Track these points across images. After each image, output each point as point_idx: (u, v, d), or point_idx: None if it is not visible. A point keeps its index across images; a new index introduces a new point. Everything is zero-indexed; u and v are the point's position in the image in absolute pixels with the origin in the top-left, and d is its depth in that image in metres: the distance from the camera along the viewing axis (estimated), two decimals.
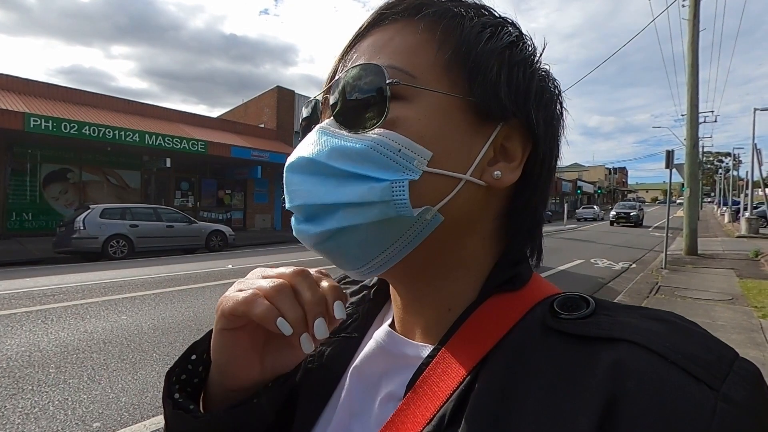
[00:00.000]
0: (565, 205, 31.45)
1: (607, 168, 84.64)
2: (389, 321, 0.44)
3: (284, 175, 0.37)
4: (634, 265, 9.77)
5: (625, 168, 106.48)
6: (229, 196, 19.31)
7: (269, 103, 21.97)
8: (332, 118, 0.36)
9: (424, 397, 0.34)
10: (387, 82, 0.34)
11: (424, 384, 0.35)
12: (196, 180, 17.99)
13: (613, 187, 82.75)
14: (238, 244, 13.86)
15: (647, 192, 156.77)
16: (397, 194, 0.33)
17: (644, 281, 7.35)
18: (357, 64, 0.36)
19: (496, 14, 0.39)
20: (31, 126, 11.27)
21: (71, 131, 11.93)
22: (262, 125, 21.54)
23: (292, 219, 0.38)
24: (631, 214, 26.09)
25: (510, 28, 0.38)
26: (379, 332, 0.42)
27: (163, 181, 16.84)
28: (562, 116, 0.40)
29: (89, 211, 10.57)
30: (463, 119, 0.35)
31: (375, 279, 0.49)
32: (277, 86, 22.18)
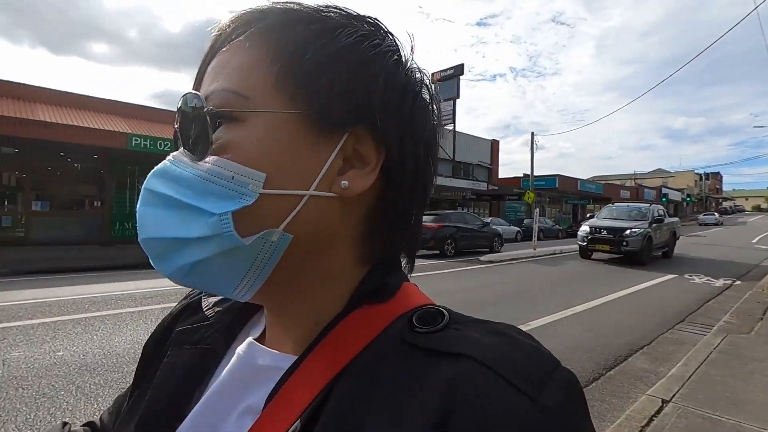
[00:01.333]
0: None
1: (696, 173, 76.92)
2: (258, 333, 0.43)
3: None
4: (738, 282, 8.68)
5: (718, 173, 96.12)
6: None
7: None
8: (182, 147, 0.36)
9: (281, 409, 0.34)
10: (205, 109, 0.34)
11: (282, 396, 0.34)
12: None
13: (704, 194, 74.90)
14: None
15: (747, 200, 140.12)
16: (225, 227, 0.32)
17: (754, 300, 6.49)
18: (187, 92, 0.36)
19: (345, 13, 0.37)
20: (133, 144, 12.64)
21: (165, 148, 13.19)
22: None
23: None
24: (627, 236, 11.01)
25: (352, 29, 0.36)
26: (242, 345, 0.41)
27: None
28: (429, 115, 0.39)
29: None
30: (301, 134, 0.34)
31: None
32: None
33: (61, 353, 3.83)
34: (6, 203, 13.66)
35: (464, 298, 6.69)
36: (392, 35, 0.38)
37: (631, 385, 3.48)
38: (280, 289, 0.37)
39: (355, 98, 0.35)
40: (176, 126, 0.36)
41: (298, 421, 0.32)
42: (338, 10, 0.37)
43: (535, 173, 28.07)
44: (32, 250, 11.54)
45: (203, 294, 0.48)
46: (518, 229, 23.49)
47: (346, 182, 0.35)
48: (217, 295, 0.40)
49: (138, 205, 0.35)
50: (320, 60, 0.34)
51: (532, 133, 27.13)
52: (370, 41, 0.36)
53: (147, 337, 0.49)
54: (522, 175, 34.19)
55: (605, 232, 11.65)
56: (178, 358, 0.42)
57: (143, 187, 0.35)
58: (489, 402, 0.28)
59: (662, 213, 13.00)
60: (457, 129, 27.91)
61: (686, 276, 9.40)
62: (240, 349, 0.40)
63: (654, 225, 11.85)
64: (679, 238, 14.16)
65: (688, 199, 51.39)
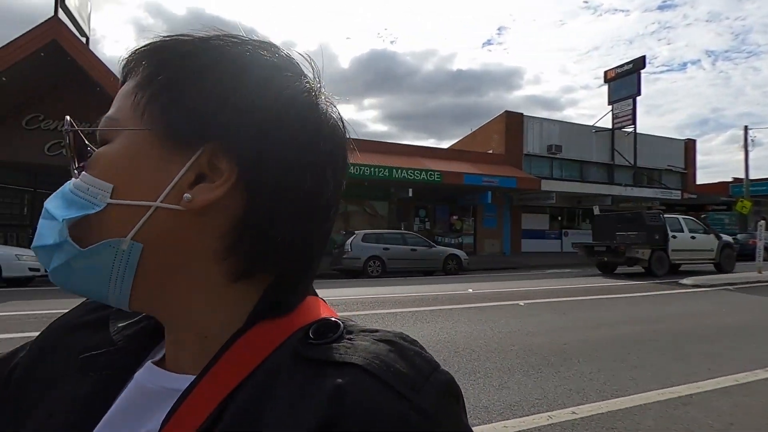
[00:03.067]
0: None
1: None
2: (160, 355, 0.41)
3: None
4: None
5: None
6: (460, 222, 20.20)
7: (497, 129, 22.19)
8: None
9: (177, 430, 0.33)
10: (63, 128, 0.39)
11: (178, 417, 0.34)
12: (431, 207, 19.56)
13: None
14: (471, 268, 14.20)
15: None
16: (64, 234, 0.35)
17: None
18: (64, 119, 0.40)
19: (230, 39, 0.38)
20: None
21: None
22: (491, 151, 21.88)
23: None
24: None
25: (215, 52, 0.37)
26: (142, 369, 0.40)
27: (405, 209, 18.97)
28: (306, 132, 0.38)
29: (354, 236, 12.79)
30: (154, 149, 0.36)
31: None
32: (506, 111, 22.26)
33: None
34: None
35: (669, 329, 5.63)
36: (281, 56, 0.39)
37: None
38: (157, 302, 0.38)
39: (202, 117, 0.35)
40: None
41: None
42: (227, 37, 0.38)
43: (751, 176, 22.48)
44: None
45: (111, 318, 0.46)
46: None
47: (189, 195, 0.36)
48: (95, 300, 0.40)
49: None
50: (168, 82, 0.36)
51: (746, 127, 21.97)
52: (233, 62, 0.37)
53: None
54: (731, 180, 27.76)
55: None
56: (82, 386, 0.40)
57: None
58: (371, 406, 0.29)
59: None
60: (638, 130, 24.32)
61: None
62: (138, 373, 0.40)
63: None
64: None
65: None
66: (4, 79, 11.89)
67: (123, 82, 0.40)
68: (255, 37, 0.40)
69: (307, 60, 0.41)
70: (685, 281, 10.33)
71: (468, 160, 20.16)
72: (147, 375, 0.39)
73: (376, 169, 15.63)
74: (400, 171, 16.18)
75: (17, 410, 0.42)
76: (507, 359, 4.26)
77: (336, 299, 7.71)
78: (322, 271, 12.74)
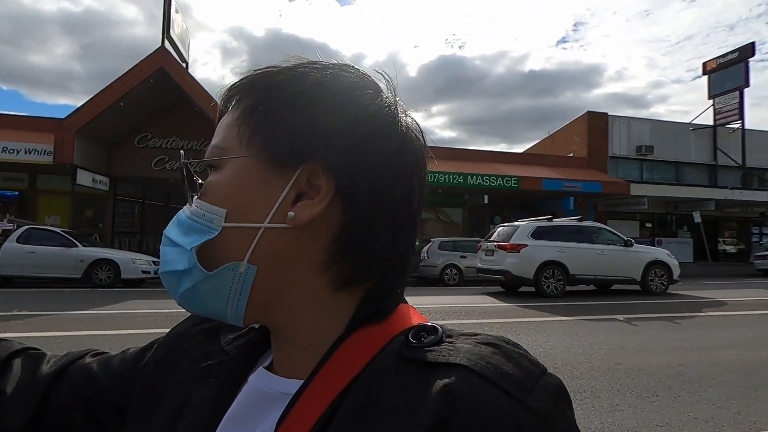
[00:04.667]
0: None
1: None
2: (269, 362, 0.44)
3: None
4: None
5: None
6: None
7: (579, 131, 20.94)
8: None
9: (291, 431, 0.35)
10: (182, 161, 0.43)
11: (291, 419, 0.36)
12: (509, 213, 18.88)
13: None
14: None
15: None
16: (192, 260, 0.38)
17: None
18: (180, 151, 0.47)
19: (317, 66, 0.41)
20: None
21: None
22: (571, 154, 20.69)
23: None
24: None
25: (306, 79, 0.40)
26: (254, 374, 0.43)
27: (480, 216, 18.53)
28: (391, 142, 0.40)
29: (430, 243, 12.72)
30: (260, 173, 0.39)
31: None
32: (588, 111, 20.96)
33: None
34: None
35: None
36: (359, 75, 0.42)
37: None
38: (269, 315, 0.41)
39: (299, 140, 0.38)
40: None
41: None
42: (310, 64, 0.41)
43: None
44: None
45: (221, 330, 0.49)
46: None
47: (292, 213, 0.38)
48: (216, 319, 0.42)
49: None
50: (266, 112, 0.39)
51: None
52: (320, 86, 0.40)
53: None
54: None
55: None
56: (204, 392, 0.43)
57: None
58: (483, 406, 0.30)
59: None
60: (746, 126, 21.61)
61: None
62: (252, 377, 0.42)
63: None
64: None
65: None
66: (122, 104, 13.56)
67: (221, 114, 0.44)
68: (334, 61, 0.43)
69: (381, 74, 0.44)
70: None
71: (547, 164, 19.21)
72: (260, 379, 0.42)
73: (451, 176, 15.46)
74: (474, 177, 15.85)
75: (146, 405, 0.46)
76: (615, 379, 3.94)
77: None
78: None
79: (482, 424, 0.29)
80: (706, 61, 23.06)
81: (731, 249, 22.50)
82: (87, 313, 6.43)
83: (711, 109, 22.22)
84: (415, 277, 12.62)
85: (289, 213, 0.38)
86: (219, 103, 0.44)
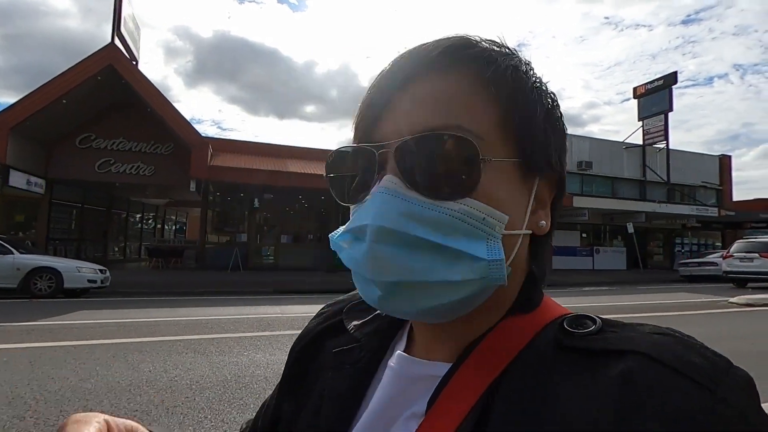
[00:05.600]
0: None
1: None
2: (403, 347, 0.44)
3: (358, 244, 0.37)
4: None
5: None
6: None
7: None
8: (402, 180, 0.36)
9: (445, 412, 0.35)
10: (481, 157, 0.35)
11: (444, 400, 0.36)
12: None
13: None
14: None
15: None
16: (494, 271, 0.34)
17: None
18: (438, 131, 0.35)
19: (524, 59, 0.40)
20: None
21: None
22: None
23: (369, 289, 0.37)
24: None
25: (538, 80, 0.40)
26: (393, 358, 0.42)
27: None
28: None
29: None
30: (516, 178, 0.38)
31: None
32: None
33: None
34: (260, 237, 17.58)
35: (741, 349, 5.49)
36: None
37: None
38: (467, 315, 0.39)
39: (557, 151, 0.40)
40: (400, 156, 0.36)
41: (467, 420, 0.34)
42: (506, 47, 0.40)
43: None
44: (281, 274, 14.48)
45: (344, 315, 0.50)
46: None
47: (543, 222, 0.40)
48: (442, 320, 0.39)
49: (369, 244, 0.35)
50: (538, 114, 0.38)
51: None
52: (548, 92, 0.40)
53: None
54: None
55: None
56: (341, 380, 0.44)
57: (374, 225, 0.34)
58: (669, 394, 0.28)
59: None
60: (670, 146, 23.97)
61: None
62: (392, 361, 0.42)
63: None
64: None
65: None
66: (64, 101, 12.64)
67: (409, 75, 0.37)
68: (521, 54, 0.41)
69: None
70: (733, 300, 10.05)
71: None
72: (402, 363, 0.41)
73: None
74: None
75: (299, 386, 0.49)
76: None
77: None
78: None
79: (673, 413, 0.27)
80: (636, 87, 25.39)
81: (659, 257, 24.69)
82: (36, 324, 5.92)
83: (640, 130, 24.44)
84: None
85: (541, 222, 0.40)
86: (417, 56, 0.38)
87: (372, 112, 0.39)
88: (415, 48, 0.39)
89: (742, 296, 10.39)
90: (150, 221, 25.60)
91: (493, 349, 0.37)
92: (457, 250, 0.34)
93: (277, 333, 5.73)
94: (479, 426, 0.33)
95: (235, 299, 9.38)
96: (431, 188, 0.35)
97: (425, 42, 0.39)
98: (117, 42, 13.43)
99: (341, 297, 0.55)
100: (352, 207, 0.40)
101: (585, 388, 0.31)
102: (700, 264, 17.38)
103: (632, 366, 0.30)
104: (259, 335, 5.56)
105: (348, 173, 0.41)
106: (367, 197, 0.38)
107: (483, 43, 0.39)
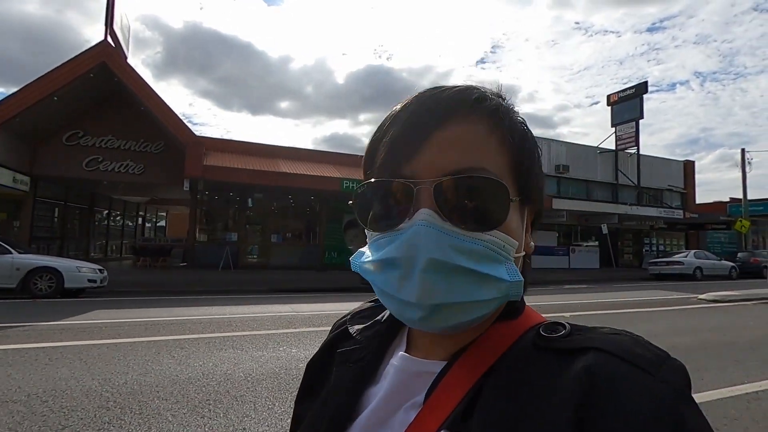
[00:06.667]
0: None
1: None
2: (403, 348, 0.50)
3: (395, 270, 0.41)
4: None
5: None
6: None
7: None
8: (438, 214, 0.40)
9: (441, 400, 0.41)
10: (511, 198, 0.42)
11: (440, 392, 0.42)
12: None
13: None
14: None
15: None
16: (514, 290, 0.41)
17: None
18: (468, 173, 0.40)
19: (502, 99, 0.47)
20: (344, 187, 15.10)
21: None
22: None
23: (410, 311, 0.41)
24: None
25: (524, 124, 0.47)
26: (396, 358, 0.48)
27: None
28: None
29: None
30: (518, 210, 0.45)
31: (387, 314, 0.55)
32: None
33: None
34: (250, 236, 17.60)
35: (712, 340, 6.12)
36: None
37: None
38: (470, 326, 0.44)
39: (536, 188, 0.47)
40: (440, 193, 0.40)
41: (458, 408, 0.40)
42: (498, 97, 0.46)
43: (748, 196, 23.42)
44: (272, 273, 14.53)
45: (348, 323, 0.58)
46: (732, 264, 19.72)
47: (533, 243, 0.48)
48: (455, 332, 0.44)
49: (420, 274, 0.39)
50: (532, 159, 0.46)
51: (743, 150, 22.94)
52: (531, 134, 0.47)
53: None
54: (728, 200, 28.74)
55: None
56: (344, 375, 0.50)
57: (426, 257, 0.39)
58: (621, 381, 0.35)
59: None
60: (640, 152, 25.21)
61: None
62: (395, 360, 0.48)
63: None
64: None
65: None
66: (55, 98, 12.39)
67: (437, 116, 0.42)
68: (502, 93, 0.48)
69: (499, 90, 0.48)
70: (702, 296, 10.86)
71: None
72: (403, 361, 0.47)
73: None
74: None
75: (314, 391, 0.54)
76: None
77: None
78: (349, 285, 13.02)
79: (622, 394, 0.34)
80: (610, 94, 26.47)
81: (629, 257, 25.98)
82: (66, 324, 6.00)
83: (613, 136, 25.53)
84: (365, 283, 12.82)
85: (531, 243, 0.48)
86: (442, 102, 0.43)
87: (401, 151, 0.42)
88: (434, 93, 0.44)
89: (710, 293, 11.28)
90: (132, 219, 25.01)
91: (482, 350, 0.43)
92: (485, 274, 0.40)
93: (302, 330, 6.04)
94: (469, 410, 0.39)
95: (239, 298, 9.56)
96: (467, 222, 0.41)
97: (442, 88, 0.45)
98: (109, 39, 13.24)
99: (350, 311, 0.62)
100: (374, 233, 0.44)
101: (556, 378, 0.37)
102: (668, 263, 18.55)
103: (593, 359, 0.37)
104: (285, 332, 5.84)
105: (378, 203, 0.44)
106: (402, 226, 0.41)
107: (492, 96, 0.45)
